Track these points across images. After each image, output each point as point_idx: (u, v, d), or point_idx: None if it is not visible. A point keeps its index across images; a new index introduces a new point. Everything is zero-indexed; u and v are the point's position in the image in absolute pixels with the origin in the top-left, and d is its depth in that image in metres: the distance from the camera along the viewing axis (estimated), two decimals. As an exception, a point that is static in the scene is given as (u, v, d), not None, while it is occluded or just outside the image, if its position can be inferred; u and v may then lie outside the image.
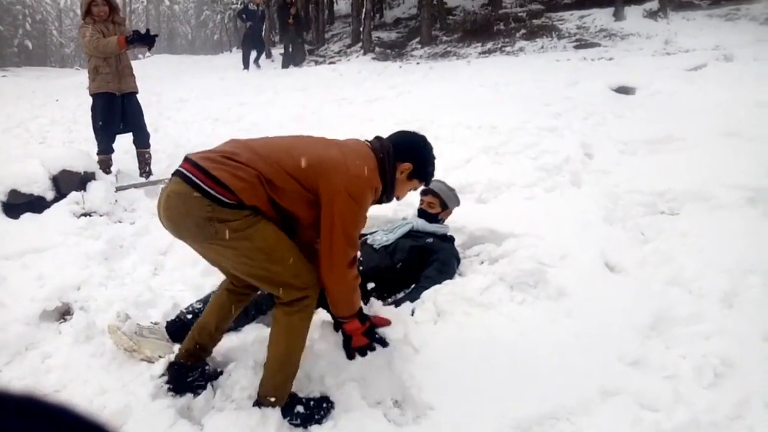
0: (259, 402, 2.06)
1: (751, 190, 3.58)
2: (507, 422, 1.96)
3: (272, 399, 2.04)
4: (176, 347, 2.39)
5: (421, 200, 3.37)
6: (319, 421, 2.06)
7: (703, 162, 4.08)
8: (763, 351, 2.37)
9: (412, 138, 2.30)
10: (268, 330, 2.46)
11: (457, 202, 3.42)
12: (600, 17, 11.80)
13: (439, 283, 2.88)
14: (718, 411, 2.06)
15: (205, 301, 2.65)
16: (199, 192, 1.82)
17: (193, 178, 1.84)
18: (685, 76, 6.72)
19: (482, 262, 3.18)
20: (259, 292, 2.38)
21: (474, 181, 4.15)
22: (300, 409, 2.08)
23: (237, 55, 21.38)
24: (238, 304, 2.31)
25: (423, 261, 3.05)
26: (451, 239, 3.29)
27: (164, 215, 1.94)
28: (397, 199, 2.30)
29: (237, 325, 2.62)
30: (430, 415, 2.03)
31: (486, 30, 12.91)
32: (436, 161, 2.32)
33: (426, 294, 2.77)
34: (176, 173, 1.92)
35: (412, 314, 2.63)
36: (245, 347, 2.43)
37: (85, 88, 4.98)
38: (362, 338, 2.27)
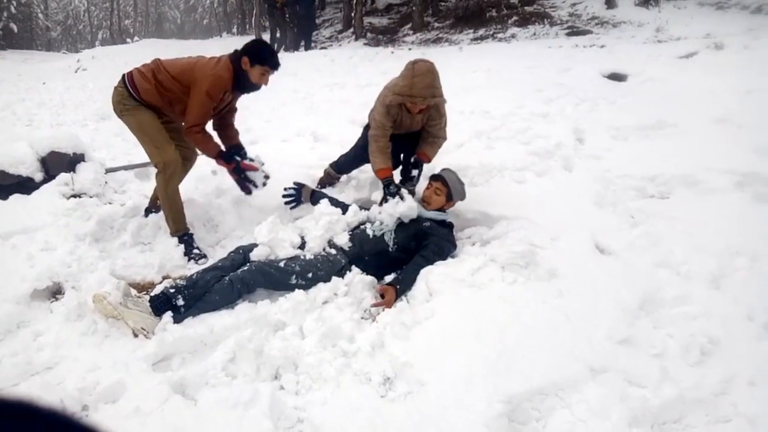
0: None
1: (740, 174, 3.61)
2: (497, 398, 1.98)
3: (170, 230, 3.43)
4: (159, 320, 2.50)
5: (429, 184, 3.39)
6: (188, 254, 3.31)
7: (694, 147, 4.11)
8: (748, 331, 2.42)
9: (251, 41, 3.31)
10: (261, 309, 2.52)
11: (462, 197, 3.44)
12: (592, 5, 11.76)
13: (432, 263, 2.91)
14: (704, 388, 2.11)
15: (188, 279, 2.69)
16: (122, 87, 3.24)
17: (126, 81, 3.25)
18: (677, 63, 6.74)
19: (474, 244, 3.20)
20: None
21: (466, 165, 4.15)
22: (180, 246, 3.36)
23: (228, 40, 21.12)
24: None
25: (418, 244, 3.07)
26: (450, 225, 3.30)
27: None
28: (257, 85, 3.28)
29: (226, 303, 2.65)
30: (421, 391, 2.05)
31: (478, 16, 12.84)
32: (271, 49, 3.31)
33: (418, 274, 2.80)
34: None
35: (404, 298, 2.67)
36: (238, 325, 2.43)
37: (72, 71, 4.90)
38: (233, 174, 3.43)
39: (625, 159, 4.11)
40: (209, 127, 3.37)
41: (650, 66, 6.54)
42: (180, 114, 3.32)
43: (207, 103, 3.18)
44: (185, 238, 3.42)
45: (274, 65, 3.28)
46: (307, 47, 13.75)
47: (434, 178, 3.40)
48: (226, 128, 3.60)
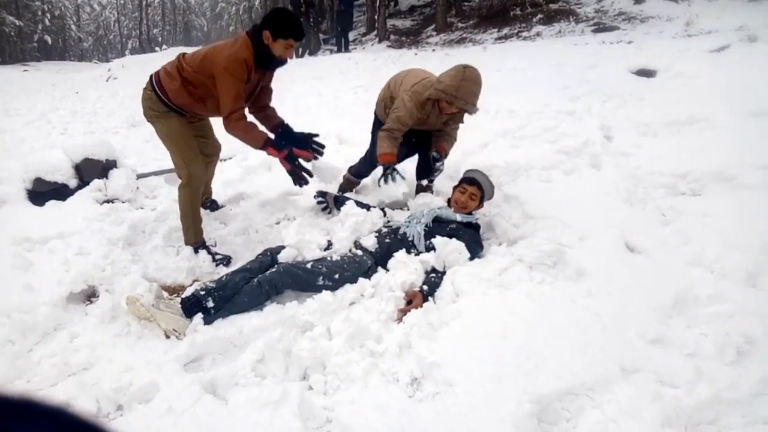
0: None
1: (776, 169, 3.51)
2: (526, 398, 1.96)
3: (185, 240, 3.35)
4: (190, 322, 2.55)
5: (464, 189, 3.37)
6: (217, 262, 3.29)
7: (726, 143, 4.00)
8: (787, 330, 2.34)
9: (272, 11, 3.04)
10: (289, 310, 2.54)
11: (490, 197, 3.46)
12: (619, 0, 11.58)
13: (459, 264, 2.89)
14: (741, 388, 2.05)
15: (217, 281, 2.73)
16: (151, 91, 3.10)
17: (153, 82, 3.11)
18: (708, 57, 6.56)
19: (501, 244, 3.18)
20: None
21: (491, 165, 4.12)
22: (203, 252, 3.31)
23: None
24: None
25: None
26: (476, 227, 3.29)
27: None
28: (280, 58, 3.03)
29: (255, 304, 2.68)
30: (449, 392, 2.04)
31: (502, 16, 12.77)
32: (294, 19, 3.02)
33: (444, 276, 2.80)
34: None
35: (432, 299, 2.67)
36: (267, 326, 2.46)
37: (104, 80, 5.03)
38: (285, 163, 3.13)
39: (655, 156, 4.03)
40: None
41: (680, 61, 6.38)
42: (214, 109, 3.11)
43: (235, 85, 2.93)
44: (202, 248, 3.37)
45: (299, 36, 3.01)
46: (346, 48, 13.92)
47: (469, 182, 3.37)
48: (264, 109, 3.38)
